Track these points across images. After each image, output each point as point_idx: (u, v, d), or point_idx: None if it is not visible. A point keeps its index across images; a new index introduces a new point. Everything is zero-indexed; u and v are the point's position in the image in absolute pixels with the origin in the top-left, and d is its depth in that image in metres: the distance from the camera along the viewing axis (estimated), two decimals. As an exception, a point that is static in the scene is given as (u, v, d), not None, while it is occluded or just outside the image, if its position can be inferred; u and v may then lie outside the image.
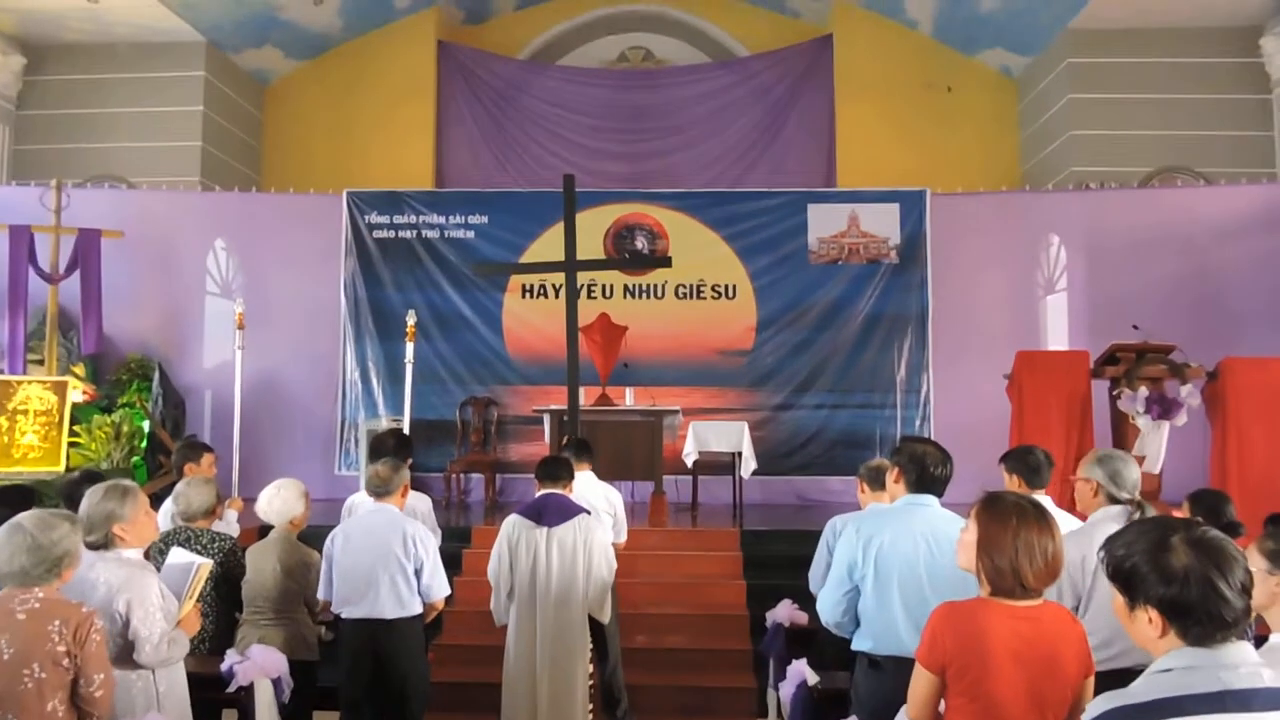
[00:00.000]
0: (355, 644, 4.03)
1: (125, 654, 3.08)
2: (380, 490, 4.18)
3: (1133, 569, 1.68)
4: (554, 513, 4.51)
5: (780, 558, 6.57)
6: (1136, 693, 1.62)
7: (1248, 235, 9.07)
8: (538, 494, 4.66)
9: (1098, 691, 1.95)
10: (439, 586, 4.12)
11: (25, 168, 10.24)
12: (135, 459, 8.23)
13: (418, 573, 4.05)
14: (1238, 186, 9.42)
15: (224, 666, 3.66)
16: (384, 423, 8.80)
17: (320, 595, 4.19)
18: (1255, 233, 9.07)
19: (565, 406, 7.08)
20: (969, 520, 2.45)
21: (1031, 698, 2.25)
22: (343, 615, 4.08)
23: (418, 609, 4.08)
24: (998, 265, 9.47)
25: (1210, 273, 9.04)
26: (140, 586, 3.10)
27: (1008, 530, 2.32)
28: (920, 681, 2.39)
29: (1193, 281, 8.97)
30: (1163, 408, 6.44)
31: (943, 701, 2.40)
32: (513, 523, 4.54)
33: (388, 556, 4.00)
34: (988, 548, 2.34)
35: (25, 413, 7.68)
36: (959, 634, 2.31)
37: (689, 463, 7.95)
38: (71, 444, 7.98)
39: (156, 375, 8.84)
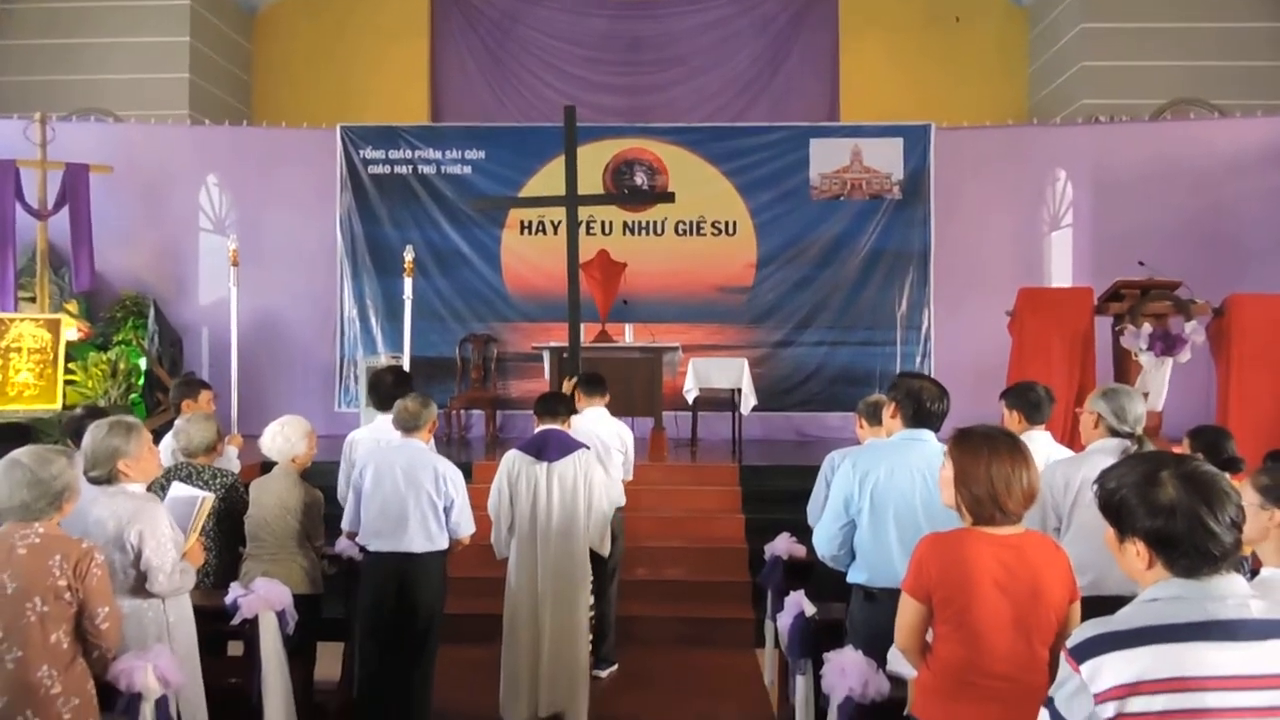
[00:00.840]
0: (380, 576, 4.08)
1: (138, 584, 3.13)
2: (409, 425, 4.18)
3: (1121, 501, 1.69)
4: (554, 448, 4.52)
5: (779, 492, 6.62)
6: (1122, 620, 1.64)
7: (1261, 169, 8.93)
8: (537, 430, 4.67)
9: (1082, 616, 1.97)
10: (467, 524, 4.18)
11: (6, 100, 10.01)
12: (133, 396, 8.24)
13: (447, 510, 4.09)
14: (1252, 119, 9.23)
15: (228, 599, 3.70)
16: (383, 360, 8.77)
17: (346, 527, 4.24)
18: (1268, 167, 8.92)
19: (565, 343, 7.06)
20: (944, 459, 2.48)
21: (1017, 624, 2.30)
22: (369, 548, 4.12)
23: (444, 544, 4.13)
24: (1002, 201, 9.35)
25: (1221, 208, 8.91)
26: (151, 517, 3.13)
27: (980, 461, 2.37)
28: (907, 610, 2.44)
29: (1203, 217, 8.85)
30: (1166, 344, 6.41)
31: (930, 630, 2.43)
32: (512, 458, 4.55)
33: (419, 493, 4.04)
34: (964, 480, 2.39)
35: (19, 350, 7.64)
36: (943, 562, 2.35)
37: (689, 399, 7.96)
38: (68, 382, 7.96)
39: (152, 312, 8.80)
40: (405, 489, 4.04)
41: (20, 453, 2.70)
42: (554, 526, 4.46)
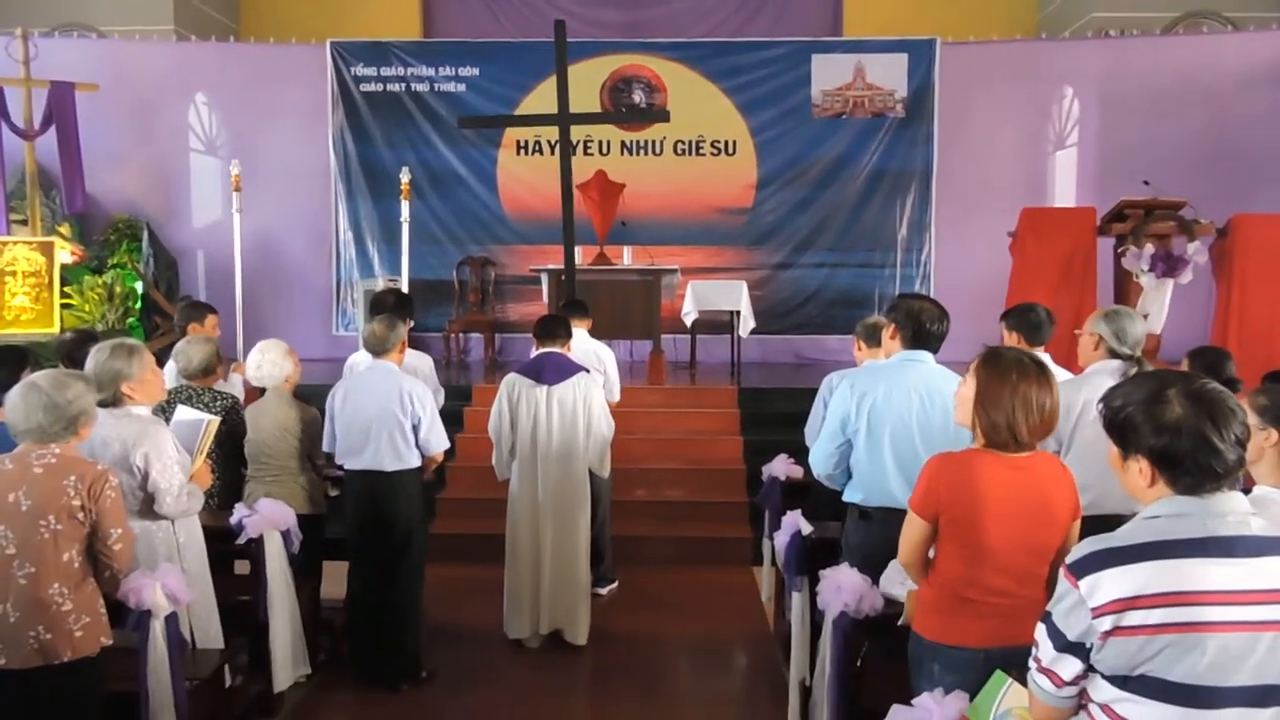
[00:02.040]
0: (357, 493, 4.16)
1: (146, 506, 3.17)
2: (377, 348, 4.18)
3: (1127, 419, 1.68)
4: (553, 371, 4.52)
5: (777, 415, 6.67)
6: (1121, 536, 1.65)
7: (1272, 85, 8.72)
8: (536, 353, 4.66)
9: (1081, 535, 1.98)
10: (437, 441, 4.19)
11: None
12: (131, 320, 8.21)
13: (415, 428, 4.11)
14: (1266, 32, 8.96)
15: (233, 520, 3.75)
16: (380, 283, 8.73)
17: (325, 448, 4.28)
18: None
19: (563, 266, 7.01)
20: (967, 375, 2.45)
21: (1021, 543, 2.32)
22: (346, 466, 4.18)
23: (415, 462, 4.15)
24: (1008, 119, 9.18)
25: (1231, 125, 8.73)
26: (156, 440, 3.16)
27: (1006, 385, 2.33)
28: (912, 528, 2.45)
29: (1212, 134, 8.69)
30: (1168, 265, 6.37)
31: (933, 547, 2.46)
32: (512, 381, 4.57)
33: (385, 413, 4.05)
34: (985, 402, 2.35)
35: (14, 274, 7.58)
36: (953, 484, 2.35)
37: (688, 322, 7.94)
38: (64, 305, 7.93)
39: (145, 235, 8.71)
40: (372, 409, 4.07)
41: (38, 376, 2.71)
42: (554, 449, 4.50)
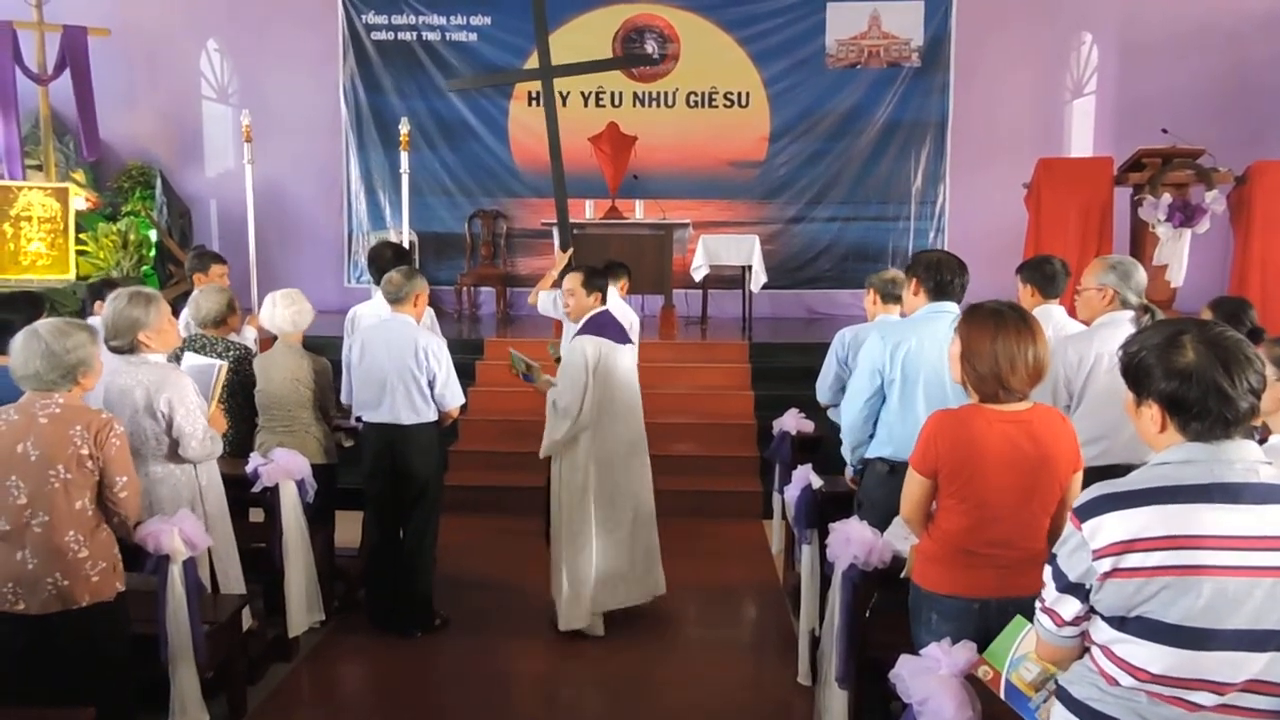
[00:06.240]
0: (375, 446, 4.18)
1: (171, 450, 3.21)
2: (395, 297, 4.17)
3: (1140, 363, 1.68)
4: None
5: (788, 369, 6.66)
6: (1128, 482, 1.66)
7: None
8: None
9: (1085, 486, 1.98)
10: (453, 396, 4.19)
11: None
12: (145, 268, 8.22)
13: (431, 384, 4.11)
14: (1289, -26, 8.75)
15: (249, 468, 3.79)
16: (392, 235, 8.70)
17: (343, 399, 4.31)
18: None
19: (577, 220, 6.95)
20: (953, 335, 2.45)
21: (1020, 495, 2.33)
22: (363, 418, 4.20)
23: (432, 416, 4.17)
24: (1025, 67, 8.99)
25: (1252, 69, 8.54)
26: (178, 386, 3.19)
27: (986, 337, 2.34)
28: (913, 485, 2.46)
29: (1232, 79, 8.50)
30: (1185, 215, 6.28)
31: (934, 502, 2.47)
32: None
33: (402, 368, 4.06)
34: (969, 356, 2.37)
35: (29, 219, 7.57)
36: (951, 440, 2.35)
37: (698, 277, 7.89)
38: (80, 252, 7.94)
39: (159, 183, 8.69)
40: (388, 363, 4.07)
41: (40, 324, 2.71)
42: None
